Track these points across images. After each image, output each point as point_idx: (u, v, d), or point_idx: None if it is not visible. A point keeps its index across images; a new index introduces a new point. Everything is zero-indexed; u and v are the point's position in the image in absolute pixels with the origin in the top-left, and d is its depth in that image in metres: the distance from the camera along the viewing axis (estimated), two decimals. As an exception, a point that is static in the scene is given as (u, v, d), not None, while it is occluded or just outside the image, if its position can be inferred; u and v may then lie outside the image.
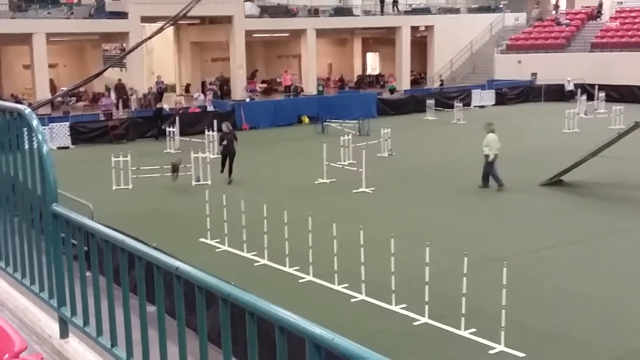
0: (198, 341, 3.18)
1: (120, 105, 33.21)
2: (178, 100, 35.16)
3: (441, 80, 41.16)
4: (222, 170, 18.85)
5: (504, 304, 8.60)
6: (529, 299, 10.15)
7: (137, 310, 3.48)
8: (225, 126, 19.64)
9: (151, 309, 3.48)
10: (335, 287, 10.73)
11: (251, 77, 43.13)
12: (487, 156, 17.55)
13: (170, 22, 6.34)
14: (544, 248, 12.74)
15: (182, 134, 25.34)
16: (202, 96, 33.53)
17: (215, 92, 36.55)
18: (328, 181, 18.55)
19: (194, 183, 18.68)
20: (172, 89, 42.82)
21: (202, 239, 13.35)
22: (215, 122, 24.40)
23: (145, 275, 3.42)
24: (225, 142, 18.97)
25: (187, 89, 42.35)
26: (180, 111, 29.52)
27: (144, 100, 34.02)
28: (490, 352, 8.50)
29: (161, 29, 6.28)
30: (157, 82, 38.10)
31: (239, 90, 37.80)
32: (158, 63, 43.30)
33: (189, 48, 43.53)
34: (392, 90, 39.50)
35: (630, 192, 17.12)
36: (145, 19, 33.79)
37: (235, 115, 30.06)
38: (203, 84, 40.76)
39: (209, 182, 18.25)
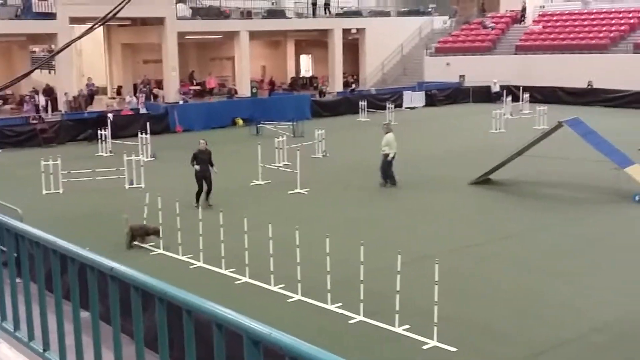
0: (134, 346, 3.13)
1: (49, 108, 32.28)
2: (109, 103, 34.43)
3: (353, 84, 41.35)
4: (197, 200, 15.63)
5: (436, 300, 8.77)
6: (460, 294, 10.36)
7: (71, 315, 3.40)
8: (203, 143, 16.37)
9: (85, 314, 3.41)
10: (272, 287, 10.72)
11: (189, 78, 42.61)
12: (386, 155, 18.01)
13: (100, 23, 6.22)
14: (474, 244, 13.04)
15: (114, 136, 24.85)
16: (134, 99, 32.95)
17: (147, 93, 35.98)
18: (263, 182, 18.51)
19: (127, 186, 18.34)
20: (103, 91, 41.92)
21: (136, 243, 13.11)
22: (148, 124, 24.04)
23: (78, 279, 3.35)
24: (197, 165, 15.88)
25: (119, 91, 41.54)
26: (112, 114, 28.91)
27: (74, 103, 33.17)
28: (424, 347, 8.64)
29: (90, 29, 6.16)
30: (87, 85, 37.23)
31: (171, 92, 37.30)
32: (88, 65, 42.33)
33: (120, 50, 42.69)
34: (322, 92, 39.65)
35: (554, 190, 17.69)
36: (75, 20, 32.96)
37: (168, 117, 29.66)
38: (135, 86, 40.05)
39: (143, 185, 17.95)
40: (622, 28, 39.95)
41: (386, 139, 18.21)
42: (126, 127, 27.35)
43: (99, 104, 34.83)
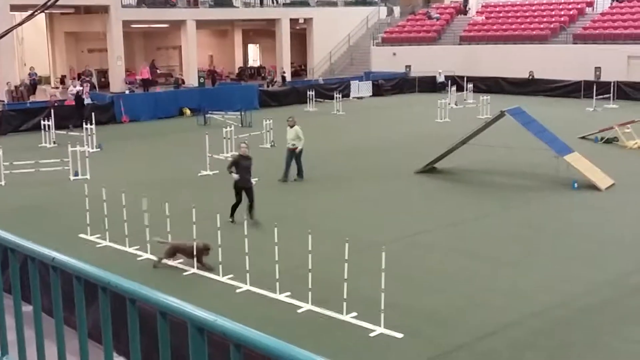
0: (78, 339, 3.08)
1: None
2: (53, 93, 33.60)
3: (283, 76, 41.33)
4: (232, 214, 13.53)
5: (383, 287, 8.87)
6: (406, 281, 10.51)
7: (12, 310, 3.33)
8: (245, 147, 14.00)
9: (27, 308, 3.34)
10: (220, 278, 10.68)
11: (151, 67, 41.73)
12: (295, 149, 17.35)
13: (40, 10, 6.07)
14: (420, 232, 13.22)
15: (57, 127, 24.30)
16: (77, 88, 32.22)
17: (92, 83, 35.25)
18: (211, 173, 18.38)
19: (72, 178, 17.98)
20: (47, 80, 40.92)
21: (81, 235, 12.89)
22: (93, 114, 23.58)
23: (20, 272, 3.28)
24: (236, 172, 13.55)
25: (62, 80, 40.60)
26: (56, 103, 28.26)
27: (16, 93, 32.30)
28: (371, 334, 8.74)
29: (30, 16, 6.01)
30: (29, 74, 36.29)
31: (117, 82, 36.65)
32: (30, 54, 41.23)
33: (64, 38, 41.72)
34: (271, 82, 39.54)
35: (497, 178, 18.04)
36: (15, 7, 32.05)
37: (114, 107, 29.14)
38: (79, 75, 39.21)
39: (88, 177, 17.63)
40: (562, 19, 40.88)
41: (295, 132, 17.45)
42: (70, 117, 26.77)
43: (43, 94, 33.99)
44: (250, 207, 13.51)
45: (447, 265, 11.43)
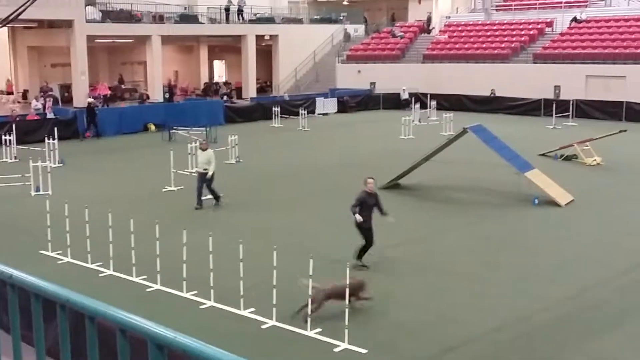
0: (36, 356, 3.02)
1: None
2: (14, 107, 33.10)
3: (229, 92, 41.41)
4: (360, 257, 11.92)
5: (347, 303, 8.86)
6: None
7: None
8: (372, 183, 12.22)
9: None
10: (184, 294, 10.56)
11: (119, 82, 41.27)
12: (205, 174, 16.18)
13: (1, 24, 5.98)
14: (385, 247, 13.24)
15: (19, 142, 23.89)
16: (40, 102, 31.78)
17: (55, 98, 34.80)
18: (176, 189, 18.23)
19: (33, 193, 17.67)
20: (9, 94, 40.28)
21: (42, 251, 12.65)
22: (55, 129, 23.24)
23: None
24: (359, 217, 11.79)
25: (25, 95, 40.00)
26: (17, 118, 27.80)
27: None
28: (335, 350, 8.71)
29: (-8, 32, 5.91)
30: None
31: (81, 96, 36.23)
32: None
33: (26, 52, 41.16)
34: (229, 96, 39.48)
35: (460, 194, 18.21)
36: (-23, 21, 31.51)
37: (77, 122, 28.77)
38: (41, 89, 38.68)
39: (50, 192, 17.34)
40: (523, 39, 41.62)
41: (207, 156, 16.32)
42: (32, 132, 26.36)
43: (3, 108, 33.44)
44: (365, 249, 11.89)
45: (410, 279, 11.47)
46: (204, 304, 10.20)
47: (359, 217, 11.74)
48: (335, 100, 39.27)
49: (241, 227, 14.38)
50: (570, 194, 16.95)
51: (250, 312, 9.80)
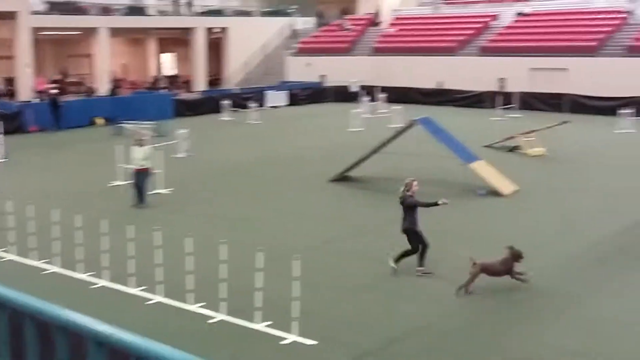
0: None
1: None
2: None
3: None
4: (420, 264, 11.26)
5: (297, 295, 8.85)
6: (321, 289, 10.51)
7: None
8: (412, 183, 11.50)
9: None
10: (131, 290, 10.40)
11: (62, 75, 40.14)
12: (146, 169, 15.76)
13: None
14: (334, 239, 13.30)
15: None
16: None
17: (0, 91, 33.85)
18: (123, 183, 17.93)
19: (-25, 189, 17.16)
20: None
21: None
22: (2, 123, 22.59)
23: None
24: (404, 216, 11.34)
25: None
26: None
27: None
28: (284, 342, 8.70)
29: None
30: None
31: (25, 90, 35.31)
32: None
33: (-32, 45, 39.86)
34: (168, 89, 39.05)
35: (409, 185, 18.34)
36: None
37: (22, 116, 28.03)
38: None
39: (-7, 188, 16.88)
40: (469, 32, 42.15)
41: (144, 152, 15.80)
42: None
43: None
44: (415, 253, 11.25)
45: (360, 271, 11.52)
46: (150, 299, 10.07)
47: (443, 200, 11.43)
48: (285, 93, 39.18)
49: (191, 221, 14.23)
50: (514, 184, 17.26)
51: (200, 307, 9.71)
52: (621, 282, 10.91)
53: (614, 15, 39.05)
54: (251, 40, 45.29)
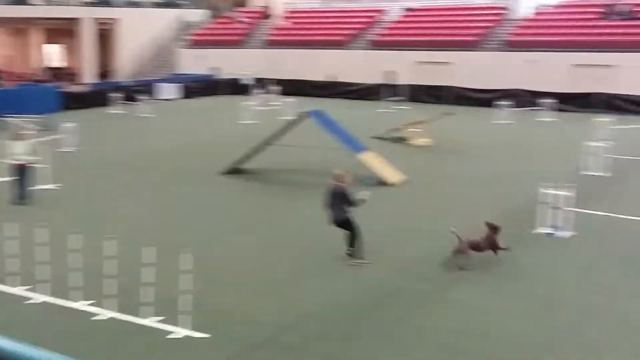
0: None
1: None
2: None
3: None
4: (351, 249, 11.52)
5: (188, 289, 8.79)
6: (212, 282, 10.47)
7: None
8: (343, 175, 11.72)
9: None
10: (13, 290, 9.98)
11: None
12: (28, 164, 15.05)
13: None
14: (225, 233, 13.26)
15: None
16: None
17: None
18: (2, 180, 17.10)
19: None
20: None
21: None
22: None
23: None
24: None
25: None
26: None
27: None
28: (175, 336, 8.62)
29: None
30: None
31: None
32: None
33: None
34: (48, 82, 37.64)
35: (299, 176, 18.57)
36: None
37: None
38: None
39: None
40: (359, 26, 42.89)
41: (26, 146, 15.07)
42: None
43: None
44: (353, 237, 11.49)
45: (251, 263, 11.55)
46: (33, 299, 9.70)
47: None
48: (178, 85, 38.53)
49: (76, 218, 13.79)
50: (401, 174, 17.79)
51: (89, 305, 9.45)
52: (492, 267, 11.47)
53: (493, 11, 40.82)
54: (142, 32, 44.17)
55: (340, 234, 12.47)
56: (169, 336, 8.59)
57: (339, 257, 11.73)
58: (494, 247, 11.14)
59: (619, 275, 11.01)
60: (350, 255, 11.44)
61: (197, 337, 8.60)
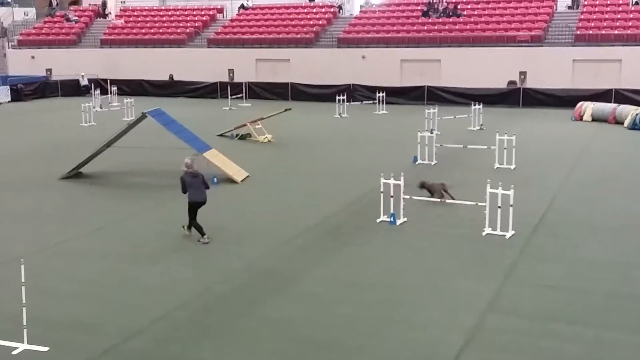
0: None
1: None
2: None
3: None
4: (190, 227, 12.57)
5: (24, 302, 8.25)
6: (50, 293, 9.91)
7: None
8: (191, 160, 12.73)
9: None
10: None
11: None
12: None
13: None
14: (65, 240, 12.58)
15: None
16: None
17: None
18: None
19: None
20: None
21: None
22: None
23: None
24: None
25: None
26: None
27: None
28: (14, 352, 8.08)
29: None
30: None
31: None
32: None
33: None
34: None
35: (142, 179, 18.04)
36: None
37: None
38: None
39: None
40: (197, 24, 42.32)
41: None
42: None
43: None
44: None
45: (92, 270, 11.04)
46: None
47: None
48: (7, 88, 36.02)
49: None
50: (245, 171, 17.79)
51: None
52: (332, 259, 11.78)
53: (327, 9, 41.87)
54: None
55: (179, 231, 12.33)
56: (12, 352, 8.04)
57: (181, 258, 11.54)
58: (445, 191, 14.71)
59: (447, 258, 11.71)
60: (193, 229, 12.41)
61: (36, 351, 8.11)
